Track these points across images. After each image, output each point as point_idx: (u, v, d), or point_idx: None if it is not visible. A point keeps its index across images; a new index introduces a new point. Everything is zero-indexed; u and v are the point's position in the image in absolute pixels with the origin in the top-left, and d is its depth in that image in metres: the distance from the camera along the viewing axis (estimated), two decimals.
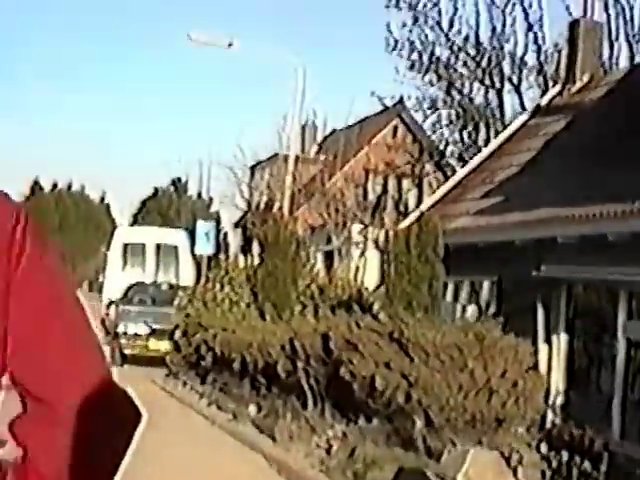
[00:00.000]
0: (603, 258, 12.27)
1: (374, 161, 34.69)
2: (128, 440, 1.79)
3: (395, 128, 35.79)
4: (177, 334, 16.54)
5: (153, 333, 18.78)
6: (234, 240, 40.55)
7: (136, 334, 18.86)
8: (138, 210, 47.37)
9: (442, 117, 26.35)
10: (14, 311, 1.63)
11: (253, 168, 39.62)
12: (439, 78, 26.77)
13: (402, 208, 35.07)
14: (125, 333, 18.93)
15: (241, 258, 38.17)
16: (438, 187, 35.58)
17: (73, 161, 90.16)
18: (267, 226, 15.58)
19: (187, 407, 14.89)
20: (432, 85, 26.70)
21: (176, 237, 26.15)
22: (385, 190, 35.44)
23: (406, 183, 35.51)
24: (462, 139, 25.97)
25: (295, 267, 15.15)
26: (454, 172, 33.53)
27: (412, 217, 20.59)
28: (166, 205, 44.14)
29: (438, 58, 27.06)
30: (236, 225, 40.94)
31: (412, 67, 26.84)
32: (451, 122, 26.03)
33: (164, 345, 18.32)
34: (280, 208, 35.71)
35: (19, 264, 1.67)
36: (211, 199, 43.58)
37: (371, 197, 35.13)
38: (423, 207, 20.60)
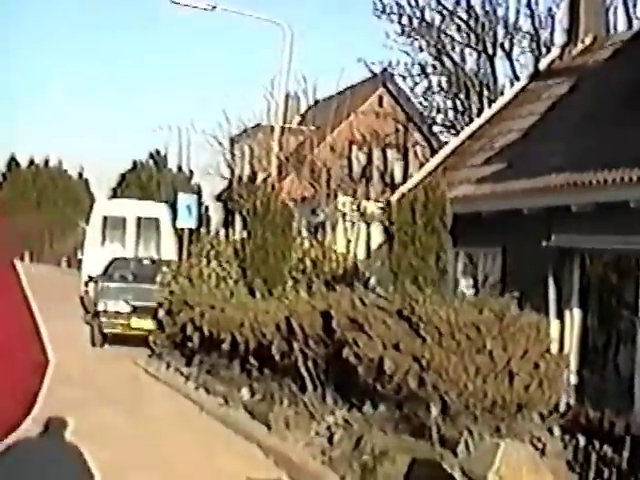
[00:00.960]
0: (621, 226, 11.34)
1: (359, 131, 33.72)
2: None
3: (380, 97, 34.75)
4: (160, 312, 15.50)
5: (135, 311, 17.71)
6: (215, 214, 39.47)
7: (117, 312, 17.77)
8: (117, 184, 46.13)
9: (432, 84, 25.32)
10: None
11: (233, 140, 38.50)
12: (429, 44, 25.79)
13: (388, 179, 34.22)
14: (105, 311, 17.84)
15: (223, 232, 37.19)
16: (425, 158, 34.80)
17: (50, 136, 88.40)
18: (255, 197, 14.53)
19: (173, 391, 13.90)
20: (422, 50, 25.71)
21: (157, 210, 24.92)
22: (370, 161, 34.50)
23: (391, 153, 34.60)
24: (455, 106, 24.96)
25: (286, 240, 14.14)
26: (440, 142, 32.71)
27: (408, 185, 19.61)
28: (146, 178, 42.94)
29: (428, 23, 26.04)
30: (217, 198, 39.86)
31: (402, 32, 25.81)
32: (442, 89, 25.00)
33: (147, 324, 17.29)
34: (264, 180, 34.68)
35: None
36: (191, 172, 42.48)
37: (356, 168, 34.19)
38: (418, 176, 19.63)
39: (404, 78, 26.35)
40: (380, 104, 34.52)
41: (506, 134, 18.35)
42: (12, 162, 64.20)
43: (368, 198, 32.56)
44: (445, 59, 25.54)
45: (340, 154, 33.22)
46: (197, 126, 53.63)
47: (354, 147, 34.31)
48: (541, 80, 20.04)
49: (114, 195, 42.46)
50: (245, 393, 12.25)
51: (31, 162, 64.98)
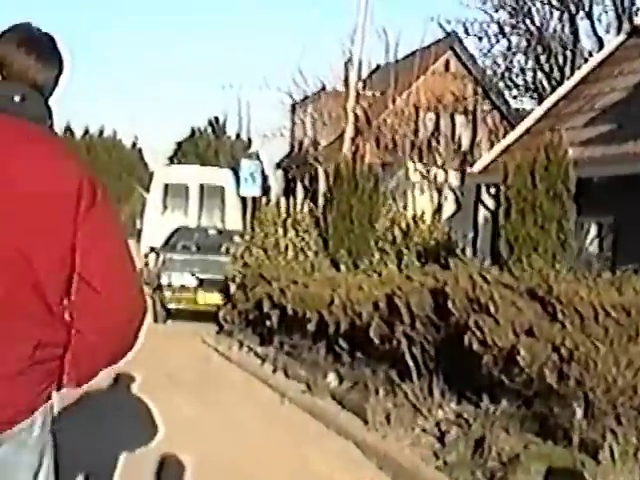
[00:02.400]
0: None
1: (425, 96, 32.13)
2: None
3: (447, 61, 33.07)
4: (232, 287, 14.12)
5: (201, 284, 16.39)
6: (275, 182, 38.05)
7: (182, 286, 16.45)
8: (174, 152, 44.84)
9: (512, 44, 23.60)
10: (87, 240, 2.64)
11: (295, 105, 37.00)
12: (506, 2, 24.08)
13: (455, 146, 32.73)
14: (169, 285, 16.52)
15: (283, 201, 35.84)
16: (495, 124, 33.08)
17: (104, 105, 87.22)
18: (338, 159, 13.07)
19: (248, 373, 12.55)
20: (497, 11, 23.96)
21: (222, 177, 23.39)
22: (437, 127, 32.91)
23: (459, 119, 33.02)
24: (538, 67, 23.21)
25: (373, 207, 12.68)
26: (510, 108, 30.96)
27: (496, 151, 18.02)
28: (203, 146, 41.57)
29: None
30: (277, 166, 38.47)
31: None
32: (522, 49, 23.28)
33: (214, 298, 15.99)
34: (331, 144, 33.19)
35: (90, 212, 2.65)
36: (250, 140, 41.03)
37: (422, 134, 32.64)
38: (509, 139, 18.01)
39: (480, 39, 24.62)
40: (447, 68, 32.86)
41: (607, 94, 16.68)
42: (67, 132, 63.22)
43: (435, 165, 31.09)
44: (525, 18, 23.81)
45: (407, 120, 31.75)
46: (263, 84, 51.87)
47: (421, 112, 32.74)
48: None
49: (171, 164, 41.19)
50: (332, 379, 10.85)
51: (86, 132, 63.94)
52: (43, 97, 2.79)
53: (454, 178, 28.42)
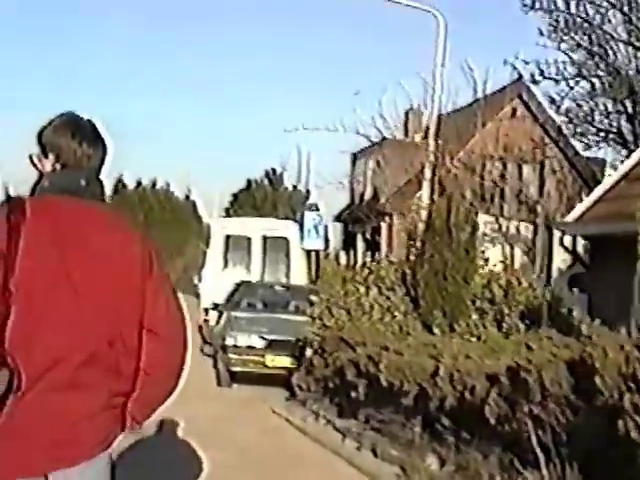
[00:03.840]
0: None
1: (492, 146, 30.78)
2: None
3: (514, 109, 31.69)
4: (308, 351, 12.69)
5: (270, 346, 14.97)
6: (335, 235, 36.65)
7: (249, 347, 15.04)
8: (230, 204, 43.72)
9: (596, 86, 22.12)
10: (152, 298, 3.18)
11: (355, 156, 35.81)
12: (580, 44, 22.69)
13: (523, 197, 31.35)
14: (235, 346, 15.11)
15: (343, 255, 34.40)
16: (563, 174, 31.54)
17: (158, 158, 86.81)
18: (434, 207, 11.68)
19: (328, 451, 11.06)
20: (573, 50, 22.55)
21: (286, 228, 21.97)
22: (504, 177, 31.51)
23: (526, 169, 31.62)
24: (625, 109, 21.70)
25: (470, 262, 11.25)
26: (580, 156, 29.41)
27: (590, 200, 16.51)
28: (260, 198, 40.43)
29: (584, 18, 22.94)
30: (337, 218, 37.14)
31: (554, 29, 22.76)
32: (605, 90, 21.81)
33: (285, 361, 14.58)
34: (387, 200, 31.82)
35: (152, 274, 3.19)
36: (308, 191, 39.85)
37: (487, 185, 31.23)
38: (603, 187, 16.47)
39: (557, 82, 23.21)
40: (514, 115, 31.48)
41: None
42: (119, 184, 62.67)
43: (502, 216, 29.69)
44: (603, 59, 22.38)
45: (472, 170, 30.39)
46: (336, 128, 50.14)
47: (487, 162, 31.38)
48: None
49: (227, 216, 40.05)
50: (433, 462, 9.36)
51: (138, 184, 63.34)
52: (97, 176, 3.25)
53: (525, 229, 26.94)
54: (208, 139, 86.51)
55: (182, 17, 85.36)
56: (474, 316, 11.14)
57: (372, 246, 32.16)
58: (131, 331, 3.11)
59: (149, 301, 3.15)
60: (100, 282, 3.05)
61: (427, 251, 11.43)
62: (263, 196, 40.81)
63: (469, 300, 11.22)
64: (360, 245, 33.77)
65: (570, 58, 22.18)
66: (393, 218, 29.71)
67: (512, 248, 27.58)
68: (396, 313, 11.71)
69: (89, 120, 3.27)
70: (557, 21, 22.78)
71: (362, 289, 12.25)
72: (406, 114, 35.26)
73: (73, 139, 3.17)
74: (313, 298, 13.23)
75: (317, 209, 36.52)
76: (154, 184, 63.40)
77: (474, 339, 10.73)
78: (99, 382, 3.01)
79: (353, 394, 10.78)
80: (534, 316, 11.31)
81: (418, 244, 12.78)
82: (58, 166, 3.19)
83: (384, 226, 30.34)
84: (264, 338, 15.02)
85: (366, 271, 12.66)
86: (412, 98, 31.90)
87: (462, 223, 11.30)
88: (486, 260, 12.17)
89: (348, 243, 34.83)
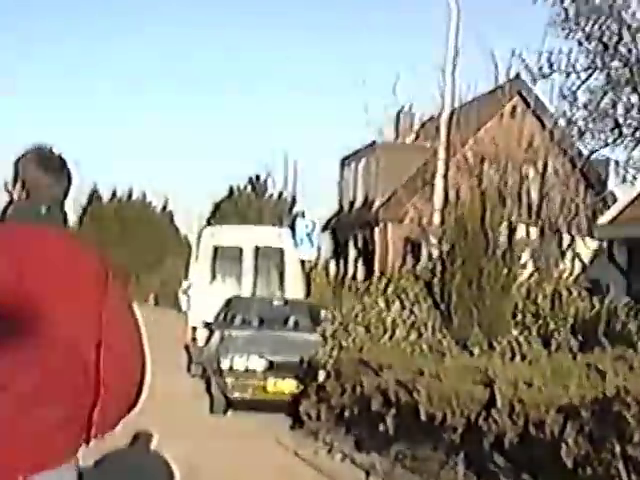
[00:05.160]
0: None
1: (490, 147, 29.35)
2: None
3: (514, 108, 30.27)
4: (321, 374, 11.08)
5: (271, 368, 13.34)
6: (324, 244, 35.05)
7: (247, 370, 13.40)
8: (211, 213, 41.99)
9: (612, 77, 20.60)
10: (108, 315, 3.37)
11: (344, 161, 34.32)
12: (593, 33, 21.30)
13: (525, 199, 29.93)
14: (231, 369, 13.45)
15: (333, 265, 32.81)
16: (566, 175, 30.07)
17: (133, 168, 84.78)
18: (464, 210, 10.15)
19: None
20: (582, 43, 21.09)
21: (280, 237, 20.21)
22: (504, 180, 30.05)
23: (527, 171, 30.19)
24: None
25: (509, 270, 9.72)
26: (582, 157, 27.95)
27: (620, 204, 15.00)
28: (244, 206, 38.71)
29: (597, 6, 21.45)
30: (324, 227, 35.58)
31: (566, 17, 21.28)
32: (627, 82, 20.29)
33: (289, 386, 13.00)
34: (380, 206, 30.25)
35: (108, 297, 3.36)
36: (294, 199, 38.28)
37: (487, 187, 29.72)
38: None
39: (567, 74, 21.71)
40: (513, 115, 30.07)
41: None
42: (94, 195, 60.81)
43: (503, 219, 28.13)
44: (617, 51, 20.91)
45: (470, 173, 28.89)
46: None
47: (485, 165, 29.90)
48: None
49: (208, 226, 38.35)
50: None
51: (113, 194, 61.50)
52: (60, 205, 3.47)
53: (534, 234, 25.46)
54: (186, 145, 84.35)
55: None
56: (514, 332, 9.62)
57: (365, 255, 30.63)
58: (88, 346, 3.30)
59: (105, 318, 3.34)
60: (58, 301, 3.25)
61: (458, 257, 9.88)
62: (247, 204, 39.15)
63: (509, 313, 9.70)
64: (352, 254, 32.21)
65: (581, 45, 20.73)
66: (387, 225, 28.17)
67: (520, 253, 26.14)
68: (422, 330, 10.16)
69: (58, 154, 3.49)
70: (566, 10, 21.30)
71: (382, 303, 10.67)
72: (397, 115, 33.79)
73: (38, 169, 3.41)
74: (323, 313, 11.60)
75: (304, 216, 34.94)
76: (130, 195, 61.58)
77: (517, 359, 9.20)
78: (60, 395, 3.21)
79: (380, 426, 9.18)
80: (583, 331, 9.80)
81: (435, 251, 11.25)
82: (24, 194, 3.41)
83: (378, 234, 28.80)
84: (265, 359, 13.39)
85: (384, 281, 11.07)
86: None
87: (498, 225, 9.80)
88: (523, 266, 10.65)
89: (338, 252, 33.25)
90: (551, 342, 9.40)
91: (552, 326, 9.58)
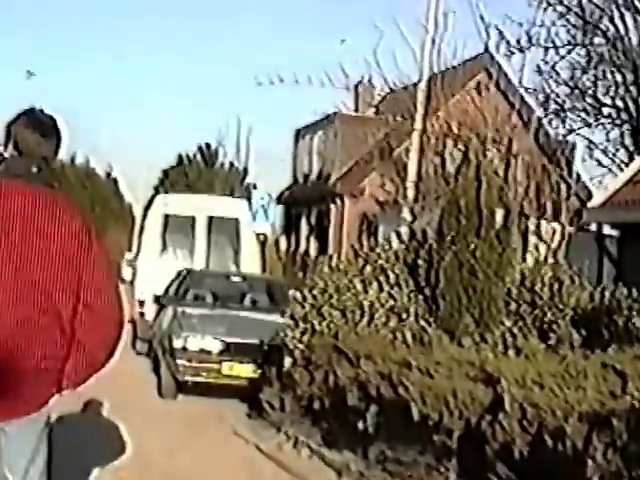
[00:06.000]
0: None
1: (454, 124, 28.37)
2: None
3: (479, 83, 29.32)
4: (287, 361, 10.01)
5: (228, 350, 12.25)
6: (275, 218, 33.96)
7: (202, 351, 12.28)
8: (159, 182, 40.52)
9: (592, 55, 19.74)
10: (89, 273, 3.54)
11: (299, 133, 33.17)
12: (572, 8, 20.40)
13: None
14: (184, 349, 12.33)
15: (283, 240, 31.70)
16: (532, 156, 29.27)
17: (78, 130, 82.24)
18: (456, 186, 9.13)
19: None
20: (563, 16, 20.19)
21: (236, 208, 18.96)
22: (467, 159, 29.07)
23: (492, 151, 29.24)
24: (625, 80, 19.34)
25: (504, 252, 8.73)
26: (549, 140, 27.14)
27: (617, 183, 14.06)
28: (194, 176, 37.34)
29: None
30: (277, 200, 34.49)
31: None
32: (601, 61, 19.47)
33: (246, 370, 11.94)
34: (337, 179, 29.13)
35: (91, 250, 3.56)
36: (246, 169, 37.03)
37: (450, 167, 28.77)
38: (624, 176, 14.04)
39: (546, 49, 20.79)
40: (479, 91, 29.11)
41: None
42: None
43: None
44: (603, 25, 20.03)
45: (433, 150, 27.91)
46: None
47: (448, 142, 28.92)
48: None
49: (155, 194, 36.92)
50: None
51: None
52: (49, 164, 3.75)
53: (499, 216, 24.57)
54: (133, 107, 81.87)
55: None
56: (507, 322, 8.65)
57: (318, 231, 29.61)
58: (66, 302, 3.49)
59: (86, 276, 3.53)
60: (38, 257, 3.46)
61: (446, 236, 8.87)
62: (197, 174, 37.76)
63: (502, 301, 8.73)
64: (304, 230, 31.13)
65: (563, 17, 19.83)
66: (345, 200, 27.11)
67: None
68: (404, 316, 9.15)
69: (50, 115, 3.76)
70: None
71: (359, 284, 9.61)
72: (356, 87, 32.65)
73: (28, 129, 3.67)
74: (293, 294, 10.49)
75: (255, 188, 33.72)
76: (73, 159, 59.53)
77: (511, 352, 8.23)
78: (31, 345, 3.40)
79: (358, 423, 8.15)
80: (582, 324, 8.87)
81: (417, 229, 10.23)
82: (15, 154, 3.67)
83: (334, 209, 27.73)
84: (221, 340, 12.28)
85: (361, 261, 10.00)
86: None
87: (494, 202, 8.81)
88: (515, 250, 9.66)
89: (290, 227, 32.16)
90: (549, 335, 8.47)
91: (549, 316, 8.65)
